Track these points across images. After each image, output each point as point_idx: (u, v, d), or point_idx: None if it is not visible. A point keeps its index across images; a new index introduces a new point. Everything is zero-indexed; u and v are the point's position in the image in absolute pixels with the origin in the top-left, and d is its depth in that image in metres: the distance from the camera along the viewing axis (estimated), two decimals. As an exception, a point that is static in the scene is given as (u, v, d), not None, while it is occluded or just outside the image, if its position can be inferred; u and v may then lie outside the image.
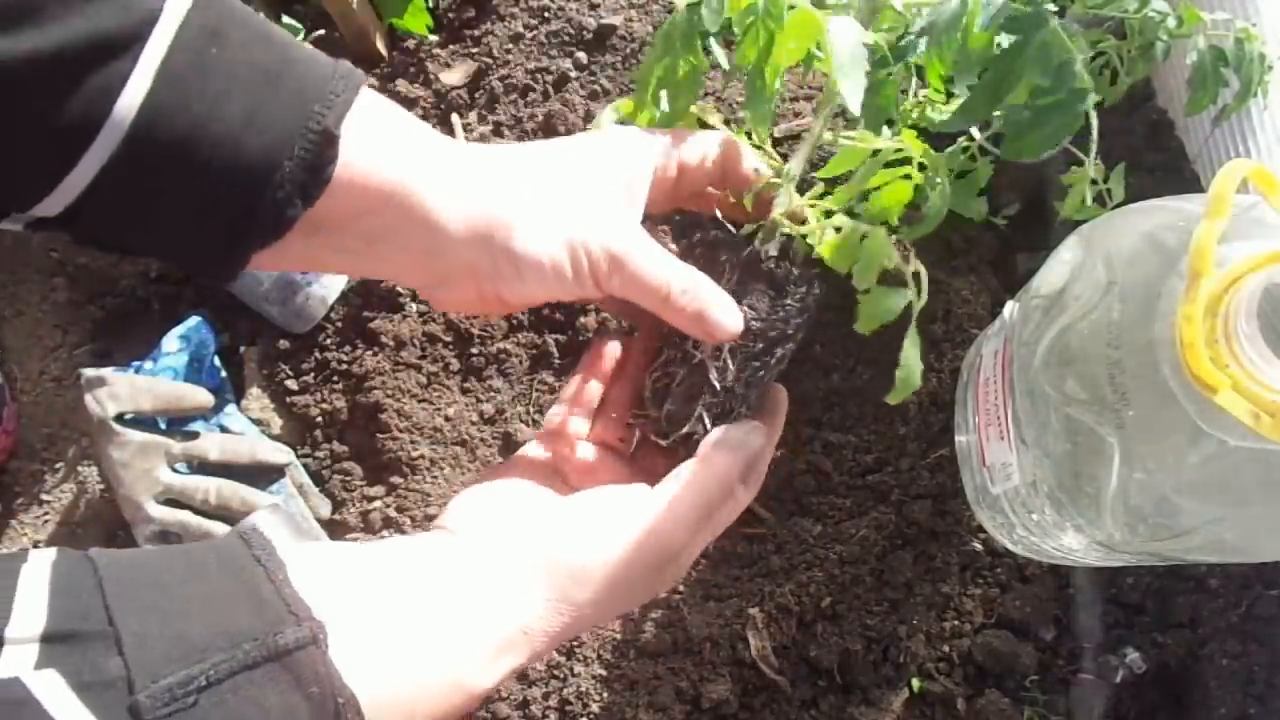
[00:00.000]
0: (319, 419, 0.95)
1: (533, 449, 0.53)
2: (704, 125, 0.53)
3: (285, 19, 1.04)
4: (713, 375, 0.48)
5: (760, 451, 0.50)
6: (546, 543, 0.44)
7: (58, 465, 0.98)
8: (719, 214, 0.50)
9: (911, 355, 0.47)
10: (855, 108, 0.42)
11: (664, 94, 0.48)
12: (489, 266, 0.44)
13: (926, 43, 0.44)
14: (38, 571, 0.32)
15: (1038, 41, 0.43)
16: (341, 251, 0.44)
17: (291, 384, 0.97)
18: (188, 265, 0.45)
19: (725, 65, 0.47)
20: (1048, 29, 0.43)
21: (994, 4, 0.43)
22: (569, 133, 1.01)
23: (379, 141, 0.41)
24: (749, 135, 0.51)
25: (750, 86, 0.43)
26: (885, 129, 0.46)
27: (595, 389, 0.53)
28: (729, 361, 0.49)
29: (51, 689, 0.29)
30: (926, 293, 0.46)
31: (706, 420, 0.49)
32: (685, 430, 0.49)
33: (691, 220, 0.49)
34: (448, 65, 1.09)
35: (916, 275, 0.45)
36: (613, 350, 0.53)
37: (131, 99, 0.34)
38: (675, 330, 0.49)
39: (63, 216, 0.37)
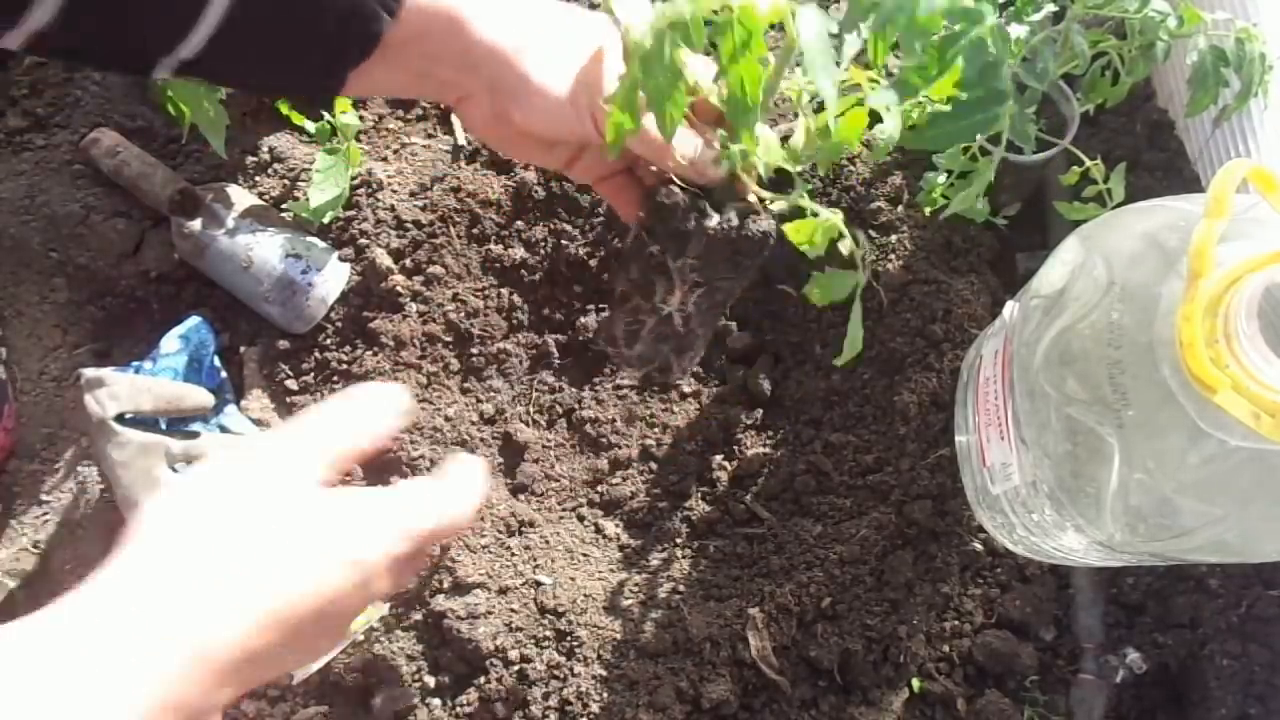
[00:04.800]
0: (319, 419, 0.95)
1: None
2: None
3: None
4: (678, 324, 0.56)
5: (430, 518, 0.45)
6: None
7: (58, 465, 0.98)
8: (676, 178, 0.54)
9: (856, 324, 0.54)
10: (830, 99, 0.44)
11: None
12: (508, 84, 0.52)
13: (874, 20, 0.45)
14: None
15: (973, 35, 0.45)
16: (406, 72, 0.53)
17: (291, 384, 0.97)
18: (294, 90, 0.58)
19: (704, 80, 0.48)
20: (985, 25, 0.45)
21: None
22: (569, 133, 1.01)
23: None
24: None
25: (732, 96, 0.44)
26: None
27: None
28: (691, 313, 0.56)
29: None
30: (867, 271, 0.52)
31: (671, 358, 0.59)
32: (655, 364, 0.59)
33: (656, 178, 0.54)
34: (448, 65, 1.09)
35: (863, 258, 0.51)
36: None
37: None
38: (646, 281, 0.55)
39: (198, 58, 0.47)
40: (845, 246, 0.51)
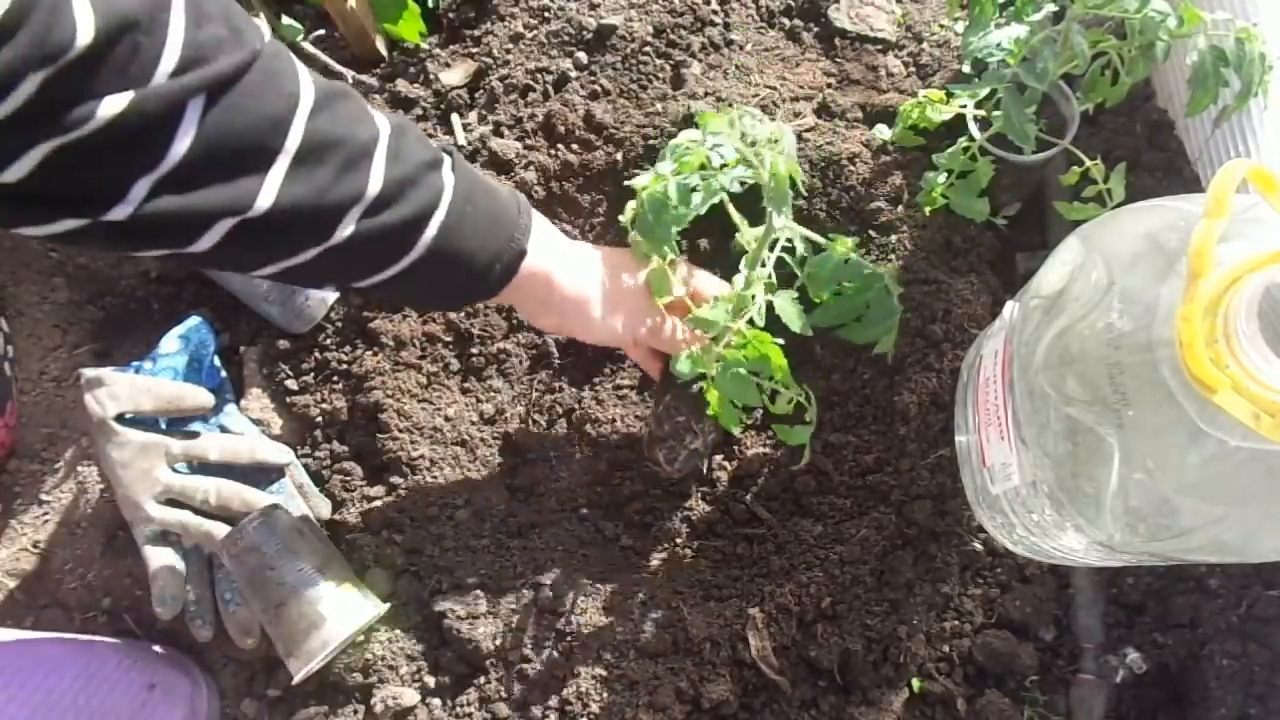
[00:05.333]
0: (319, 419, 0.95)
1: None
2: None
3: (285, 20, 1.04)
4: (701, 449, 0.86)
5: None
6: None
7: (58, 465, 0.98)
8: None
9: (806, 446, 0.83)
10: (808, 332, 0.77)
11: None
12: (576, 322, 0.79)
13: (809, 273, 0.80)
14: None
15: (873, 291, 0.81)
16: (500, 300, 0.76)
17: (291, 384, 0.97)
18: (426, 311, 0.91)
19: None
20: (881, 286, 0.80)
21: (857, 263, 0.79)
22: (569, 133, 1.01)
23: (537, 246, 0.74)
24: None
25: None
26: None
27: None
28: (706, 440, 0.86)
29: None
30: (815, 418, 0.80)
31: (699, 465, 0.90)
32: (689, 470, 0.87)
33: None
34: (448, 65, 1.09)
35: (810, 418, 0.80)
36: None
37: (429, 237, 0.66)
38: (677, 434, 0.84)
39: (370, 286, 0.67)
40: (809, 415, 0.79)
